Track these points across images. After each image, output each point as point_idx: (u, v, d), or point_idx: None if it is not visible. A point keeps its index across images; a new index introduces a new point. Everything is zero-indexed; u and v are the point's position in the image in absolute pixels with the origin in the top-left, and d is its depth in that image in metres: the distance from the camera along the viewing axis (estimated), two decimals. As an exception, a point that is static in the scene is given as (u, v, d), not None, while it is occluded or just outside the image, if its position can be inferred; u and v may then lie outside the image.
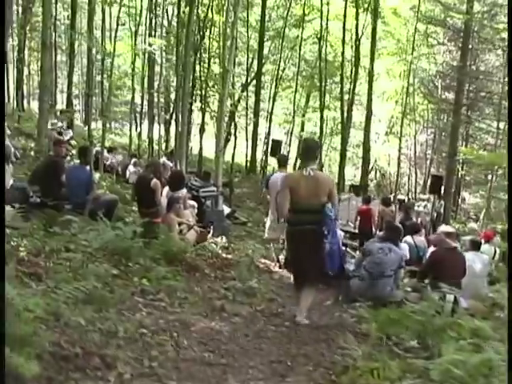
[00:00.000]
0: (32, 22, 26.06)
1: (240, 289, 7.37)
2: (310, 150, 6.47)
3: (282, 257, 10.36)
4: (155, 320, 5.21)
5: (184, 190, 10.57)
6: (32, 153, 14.91)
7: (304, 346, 5.42)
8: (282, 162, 11.15)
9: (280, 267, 10.14)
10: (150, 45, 23.42)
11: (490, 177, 31.89)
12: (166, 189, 10.43)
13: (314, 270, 6.25)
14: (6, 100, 30.40)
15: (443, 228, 9.71)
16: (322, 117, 26.62)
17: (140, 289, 6.13)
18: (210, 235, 11.34)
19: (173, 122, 26.43)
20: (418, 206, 21.42)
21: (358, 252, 11.23)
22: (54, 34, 25.35)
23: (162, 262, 7.36)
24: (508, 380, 3.74)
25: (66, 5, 30.89)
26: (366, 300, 7.23)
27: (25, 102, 29.64)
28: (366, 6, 24.67)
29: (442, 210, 22.79)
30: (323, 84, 26.37)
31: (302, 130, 32.93)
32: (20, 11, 26.78)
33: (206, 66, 24.74)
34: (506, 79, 26.37)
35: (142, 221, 8.80)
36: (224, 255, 9.82)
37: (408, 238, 11.18)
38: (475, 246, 9.79)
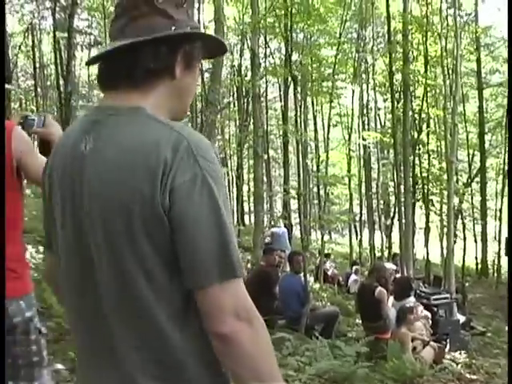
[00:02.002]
0: (248, 139, 26.71)
1: (499, 424, 5.77)
2: None
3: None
4: None
5: (412, 299, 9.18)
6: (249, 265, 14.44)
7: None
8: None
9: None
10: (364, 139, 22.73)
11: None
12: (391, 298, 9.11)
13: None
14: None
15: None
16: None
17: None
18: (446, 350, 9.76)
19: (394, 228, 25.26)
20: None
21: None
22: (266, 146, 25.67)
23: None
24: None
25: (278, 120, 31.60)
26: None
27: (246, 217, 30.16)
28: None
29: None
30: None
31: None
32: (237, 131, 27.72)
33: (425, 161, 23.53)
34: None
35: (366, 337, 7.54)
36: (468, 376, 8.20)
37: None
38: None
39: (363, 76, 24.77)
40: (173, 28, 1.57)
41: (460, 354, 9.96)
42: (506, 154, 27.11)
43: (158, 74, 1.58)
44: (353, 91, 24.78)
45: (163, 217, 1.39)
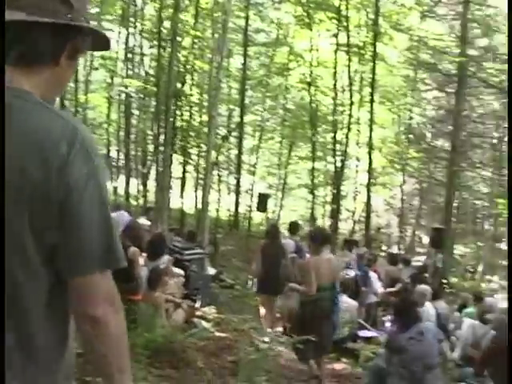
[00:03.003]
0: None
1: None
2: (324, 238, 7.60)
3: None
4: None
5: (166, 258, 8.86)
6: None
7: None
8: (294, 230, 11.71)
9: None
10: (126, 87, 21.96)
11: (486, 227, 30.93)
12: (144, 256, 8.69)
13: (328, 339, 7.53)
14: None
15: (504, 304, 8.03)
16: (313, 168, 25.30)
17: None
18: (197, 305, 9.74)
19: (151, 176, 25.01)
20: (417, 261, 19.99)
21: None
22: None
23: (142, 359, 5.58)
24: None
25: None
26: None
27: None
28: (357, 50, 23.53)
29: (440, 264, 21.30)
30: (313, 133, 25.11)
31: (286, 183, 31.57)
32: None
33: (187, 113, 23.47)
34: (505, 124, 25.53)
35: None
36: (217, 333, 8.19)
37: (427, 306, 9.52)
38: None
39: (131, 19, 23.86)
40: (69, 16, 1.58)
41: (210, 309, 10.00)
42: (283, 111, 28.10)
43: (46, 59, 1.59)
44: (119, 34, 23.86)
45: (53, 205, 1.47)
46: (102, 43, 1.78)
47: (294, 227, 11.78)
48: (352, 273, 11.86)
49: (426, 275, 15.43)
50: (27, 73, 1.56)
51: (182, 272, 9.77)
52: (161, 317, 7.18)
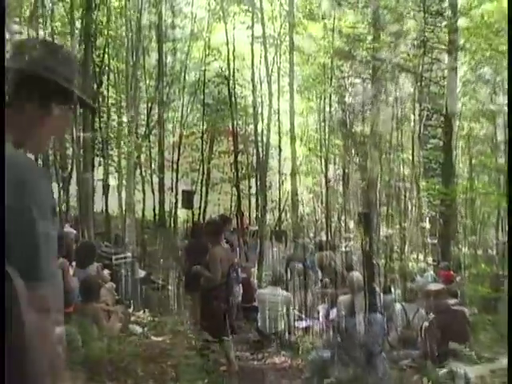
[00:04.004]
0: None
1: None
2: (219, 227, 8.11)
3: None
4: None
5: (95, 266, 8.62)
6: None
7: None
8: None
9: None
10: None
11: (409, 207, 31.55)
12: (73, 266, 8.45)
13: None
14: None
15: (432, 286, 8.15)
16: (236, 161, 25.19)
17: None
18: (130, 310, 9.57)
19: (72, 181, 24.40)
20: (345, 247, 20.28)
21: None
22: None
23: (80, 375, 5.39)
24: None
25: None
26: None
27: None
28: (273, 41, 23.57)
29: (367, 248, 21.66)
30: (234, 127, 25.02)
31: (209, 178, 31.41)
32: None
33: (105, 115, 22.98)
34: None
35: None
36: (154, 338, 8.06)
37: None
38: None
39: (40, 20, 23.09)
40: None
41: (144, 312, 9.87)
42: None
43: None
44: (28, 35, 23.08)
45: None
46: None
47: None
48: (300, 265, 11.97)
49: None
50: None
51: (113, 285, 9.56)
52: (99, 328, 6.96)
